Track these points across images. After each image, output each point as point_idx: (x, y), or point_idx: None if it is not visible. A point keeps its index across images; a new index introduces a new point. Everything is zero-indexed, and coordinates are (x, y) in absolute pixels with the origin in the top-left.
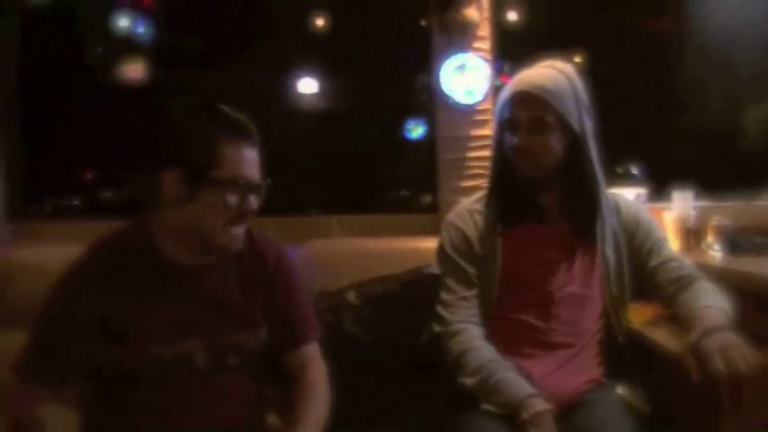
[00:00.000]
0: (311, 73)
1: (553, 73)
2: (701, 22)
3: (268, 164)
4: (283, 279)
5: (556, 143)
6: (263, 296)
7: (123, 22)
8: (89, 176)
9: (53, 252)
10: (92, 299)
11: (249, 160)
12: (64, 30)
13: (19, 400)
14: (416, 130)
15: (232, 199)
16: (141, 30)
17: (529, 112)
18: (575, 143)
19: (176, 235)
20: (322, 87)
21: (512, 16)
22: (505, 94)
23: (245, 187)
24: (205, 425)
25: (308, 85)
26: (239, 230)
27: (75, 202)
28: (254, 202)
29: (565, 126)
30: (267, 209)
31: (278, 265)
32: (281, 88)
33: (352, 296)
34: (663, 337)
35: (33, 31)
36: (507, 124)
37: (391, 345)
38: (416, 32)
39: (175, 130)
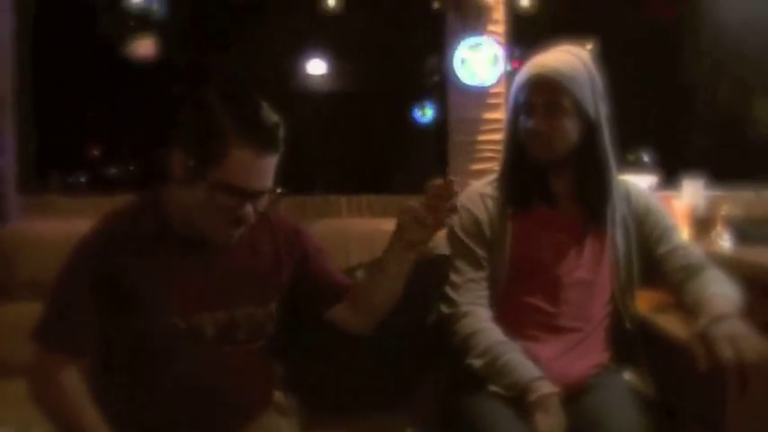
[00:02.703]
0: (320, 54)
1: (569, 57)
2: (713, 11)
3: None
4: (309, 243)
5: (570, 128)
6: (289, 264)
7: None
8: (96, 152)
9: (62, 226)
10: (107, 266)
11: (259, 169)
12: (77, 4)
13: (42, 369)
14: (426, 113)
15: (226, 203)
16: (154, 6)
17: (545, 95)
18: (589, 128)
19: (183, 214)
20: (331, 69)
21: (525, 2)
22: (521, 77)
23: (244, 196)
24: (210, 395)
25: (317, 67)
26: (234, 232)
27: (81, 179)
28: (251, 210)
29: (580, 111)
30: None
31: (298, 233)
32: (290, 69)
33: (360, 275)
34: (670, 324)
35: (46, 6)
36: (522, 107)
37: (399, 325)
38: (428, 15)
39: (196, 114)
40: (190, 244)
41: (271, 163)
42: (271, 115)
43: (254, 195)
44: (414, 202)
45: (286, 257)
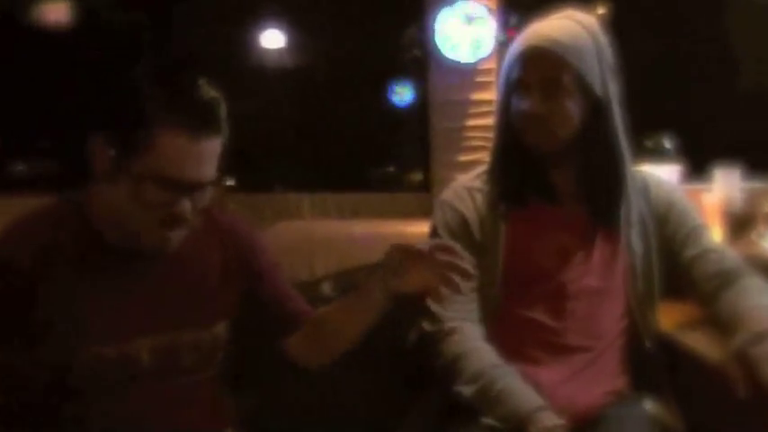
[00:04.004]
0: (277, 24)
1: (572, 25)
2: None
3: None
4: (264, 258)
5: (573, 109)
6: (241, 280)
7: None
8: None
9: None
10: (14, 290)
11: (195, 155)
12: None
13: None
14: (404, 94)
15: (155, 198)
16: None
17: (542, 71)
18: (596, 109)
19: (111, 217)
20: (290, 41)
21: None
22: (515, 50)
23: (178, 188)
24: None
25: (272, 39)
26: (171, 234)
27: None
28: (187, 205)
29: (585, 89)
30: (226, 185)
31: (253, 243)
32: (241, 41)
33: (327, 288)
34: (700, 343)
35: None
36: (516, 86)
37: (373, 346)
38: None
39: (118, 93)
40: (122, 254)
41: (210, 148)
42: (207, 90)
43: (190, 188)
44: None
45: (237, 271)
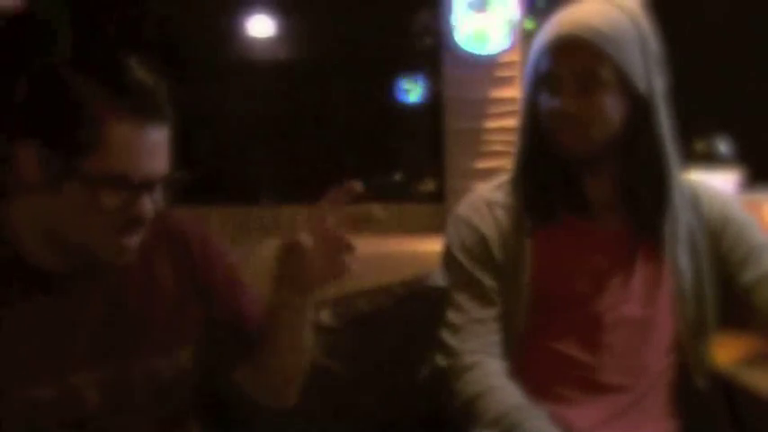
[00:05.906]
0: (267, 9)
1: (611, 10)
2: None
3: (205, 139)
4: (221, 266)
5: (612, 107)
6: (193, 297)
7: None
8: None
9: None
10: None
11: (147, 146)
12: None
13: None
14: (414, 90)
15: (113, 201)
16: None
17: (576, 63)
18: (638, 108)
19: (42, 233)
20: (281, 29)
21: None
22: (543, 39)
23: (136, 186)
24: None
25: (262, 26)
26: (130, 240)
27: None
28: (148, 204)
29: (626, 84)
30: (209, 197)
31: (207, 249)
32: (226, 29)
33: (325, 316)
34: (763, 381)
35: None
36: (545, 81)
37: (379, 383)
38: None
39: (46, 90)
40: (50, 284)
41: (159, 138)
42: (145, 75)
43: (148, 183)
44: (305, 222)
45: (191, 284)
